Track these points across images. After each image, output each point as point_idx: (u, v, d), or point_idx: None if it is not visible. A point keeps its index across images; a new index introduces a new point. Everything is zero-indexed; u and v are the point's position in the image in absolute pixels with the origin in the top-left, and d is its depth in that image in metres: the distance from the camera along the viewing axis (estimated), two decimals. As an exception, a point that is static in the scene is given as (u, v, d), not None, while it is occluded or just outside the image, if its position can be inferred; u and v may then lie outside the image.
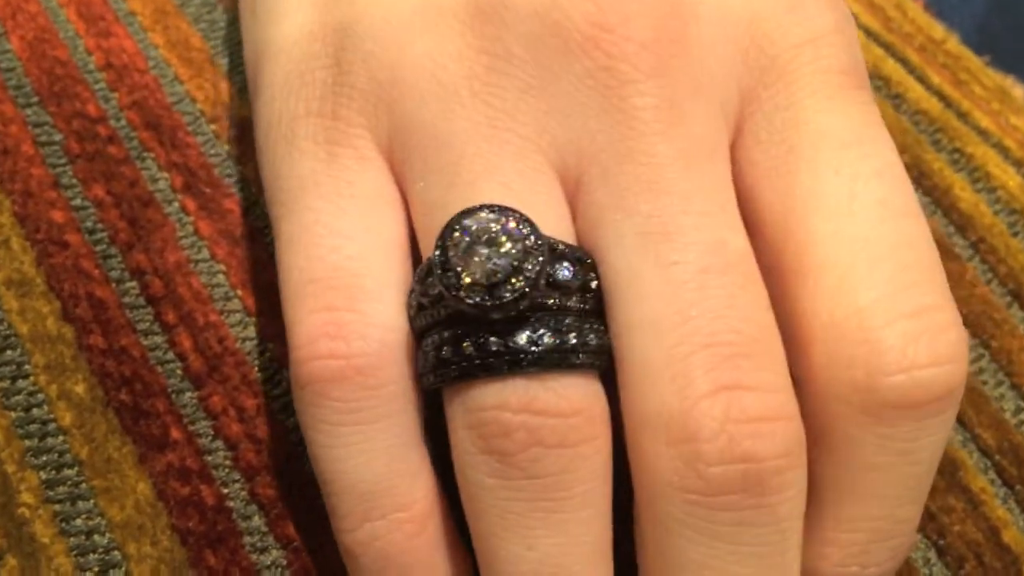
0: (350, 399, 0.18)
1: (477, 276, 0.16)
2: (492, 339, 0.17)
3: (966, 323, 0.25)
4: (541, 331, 0.17)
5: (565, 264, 0.17)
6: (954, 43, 0.31)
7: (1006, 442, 0.23)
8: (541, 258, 0.17)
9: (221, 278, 0.22)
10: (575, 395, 0.17)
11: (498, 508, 0.17)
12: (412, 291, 0.18)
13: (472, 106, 0.18)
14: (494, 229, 0.17)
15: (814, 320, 0.17)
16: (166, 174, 0.23)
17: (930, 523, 0.22)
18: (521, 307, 0.17)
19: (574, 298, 0.17)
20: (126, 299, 0.21)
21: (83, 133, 0.23)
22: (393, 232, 0.19)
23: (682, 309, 0.17)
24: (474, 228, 0.17)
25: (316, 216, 0.18)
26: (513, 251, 0.16)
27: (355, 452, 0.18)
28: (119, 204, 0.22)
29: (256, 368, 0.21)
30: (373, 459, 0.18)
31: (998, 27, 0.41)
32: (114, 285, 0.21)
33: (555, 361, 0.17)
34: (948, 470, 0.22)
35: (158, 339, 0.21)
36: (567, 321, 0.17)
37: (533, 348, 0.17)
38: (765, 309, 0.17)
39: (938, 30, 0.31)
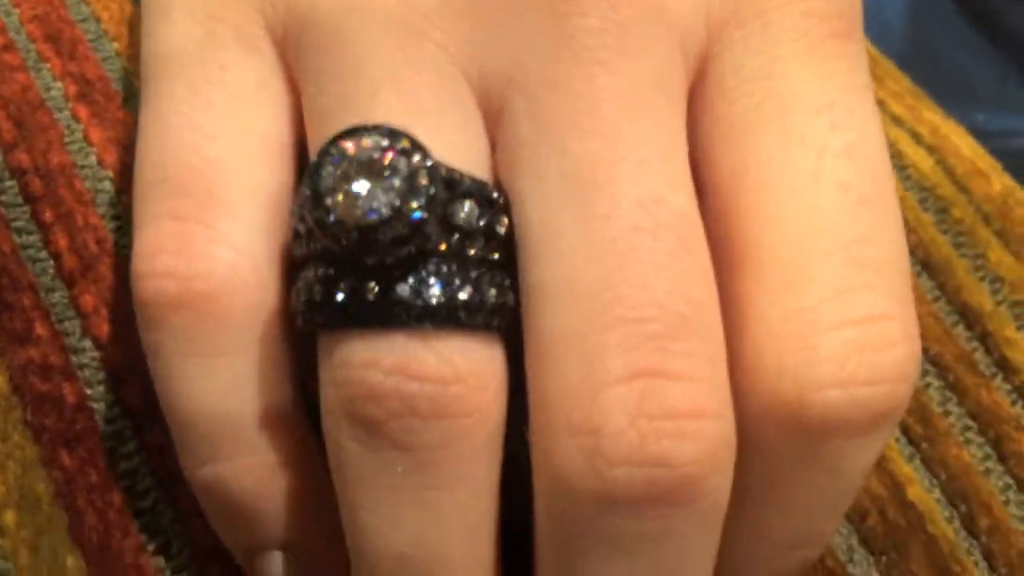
0: (189, 327, 0.15)
1: (349, 214, 0.14)
2: (369, 285, 0.14)
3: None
4: (429, 280, 0.14)
5: (468, 203, 0.15)
6: (870, 46, 0.31)
7: (913, 401, 0.23)
8: (431, 195, 0.14)
9: (107, 184, 0.21)
10: (460, 359, 0.14)
11: (363, 479, 0.15)
12: (292, 214, 0.16)
13: (384, 4, 0.15)
14: (376, 157, 0.14)
15: (747, 315, 0.15)
16: (60, 83, 0.22)
17: (833, 474, 0.21)
18: (401, 254, 0.14)
19: (476, 245, 0.15)
20: (3, 197, 0.20)
21: (-23, 41, 0.22)
22: (270, 135, 0.16)
23: (605, 273, 0.14)
24: (353, 153, 0.14)
25: (176, 104, 0.16)
26: (397, 186, 0.14)
27: (194, 386, 0.15)
28: (7, 106, 0.21)
29: (135, 273, 0.20)
30: (216, 396, 0.15)
31: (915, 62, 0.42)
32: (-9, 183, 0.20)
33: (441, 317, 0.14)
34: (853, 423, 0.22)
35: (32, 237, 0.20)
36: (462, 272, 0.14)
37: (417, 300, 0.14)
38: (701, 284, 0.14)
39: (857, 33, 0.32)
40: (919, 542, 0.21)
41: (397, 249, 0.14)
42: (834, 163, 0.15)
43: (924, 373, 0.23)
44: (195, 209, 0.15)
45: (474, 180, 0.15)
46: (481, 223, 0.15)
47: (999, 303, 0.24)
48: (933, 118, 0.29)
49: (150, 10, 0.17)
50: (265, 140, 0.16)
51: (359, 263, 0.14)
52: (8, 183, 0.20)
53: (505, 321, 0.15)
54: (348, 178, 0.14)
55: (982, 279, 0.25)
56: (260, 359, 0.16)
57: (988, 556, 0.21)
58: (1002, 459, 0.22)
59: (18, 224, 0.20)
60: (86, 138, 0.21)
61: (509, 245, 0.15)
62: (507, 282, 0.15)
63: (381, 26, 0.15)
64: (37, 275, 0.19)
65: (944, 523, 0.21)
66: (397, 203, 0.14)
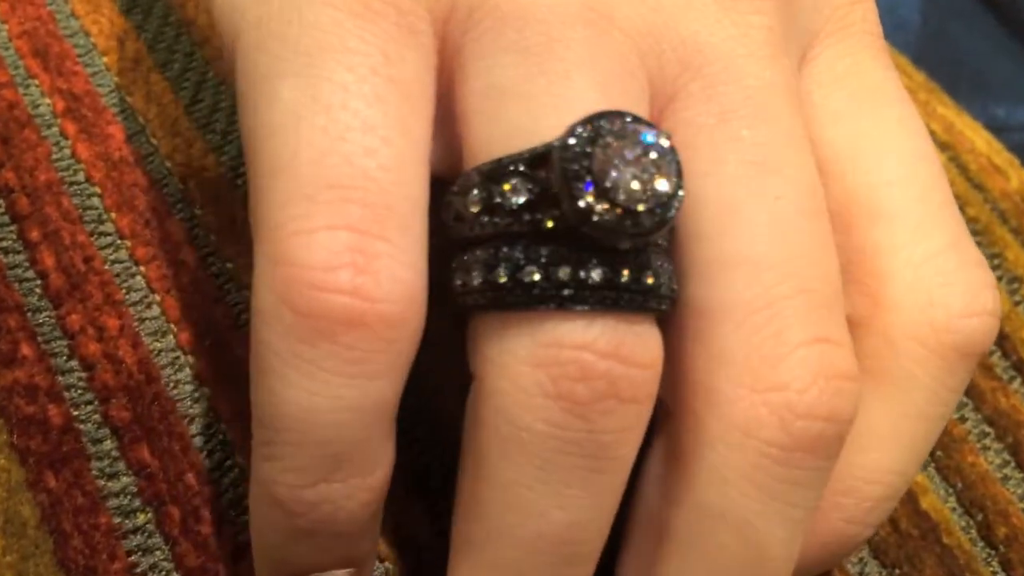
0: (360, 349, 0.14)
1: (620, 193, 0.14)
2: (596, 269, 0.14)
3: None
4: (644, 269, 0.14)
5: None
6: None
7: (925, 407, 0.22)
8: (682, 188, 0.14)
9: (95, 200, 0.20)
10: (656, 345, 0.15)
11: (539, 459, 0.15)
12: (471, 188, 0.15)
13: None
14: (642, 142, 0.14)
15: (893, 259, 0.17)
16: (48, 99, 0.22)
17: (843, 484, 0.21)
18: (658, 238, 0.14)
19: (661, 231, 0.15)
20: (-10, 217, 0.20)
21: (-34, 58, 0.22)
22: (425, 139, 0.15)
23: (784, 248, 0.15)
24: (615, 133, 0.14)
25: (343, 95, 0.14)
26: (667, 172, 0.14)
27: (342, 406, 0.14)
28: (-6, 124, 0.21)
29: (123, 290, 0.19)
30: (359, 418, 0.15)
31: (932, 56, 0.41)
32: (-22, 202, 0.20)
33: (649, 304, 0.15)
34: (863, 431, 0.21)
35: (19, 257, 0.19)
36: (658, 261, 0.15)
37: (634, 286, 0.14)
38: (837, 260, 0.16)
39: (867, 29, 0.31)
40: (934, 553, 0.20)
41: (653, 235, 0.14)
42: (920, 139, 0.18)
43: (938, 378, 0.22)
44: (375, 223, 0.14)
45: None
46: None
47: (1016, 304, 0.24)
48: (947, 113, 0.28)
49: None
50: (424, 145, 0.15)
51: (596, 244, 0.14)
52: (-5, 202, 0.20)
53: (670, 308, 0.15)
54: (616, 158, 0.14)
55: (999, 279, 0.24)
56: (402, 380, 0.15)
57: (1006, 566, 0.20)
58: (1020, 466, 0.21)
59: (4, 244, 0.20)
60: (74, 155, 0.21)
61: (671, 230, 0.16)
62: (673, 268, 0.15)
63: (572, 6, 0.15)
64: (24, 295, 0.19)
65: (960, 533, 0.21)
66: (671, 189, 0.14)
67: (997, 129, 0.30)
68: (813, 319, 0.15)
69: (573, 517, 0.15)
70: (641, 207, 0.14)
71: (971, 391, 0.22)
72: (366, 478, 0.15)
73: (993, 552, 0.20)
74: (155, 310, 0.19)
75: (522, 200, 0.14)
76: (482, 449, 0.15)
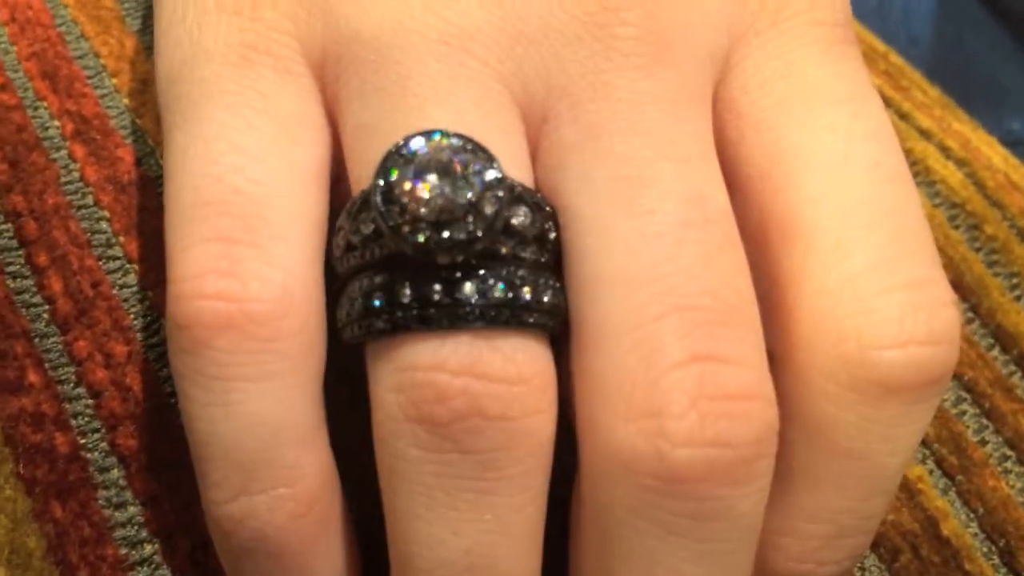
0: (237, 351, 0.15)
1: (425, 211, 0.14)
2: (435, 287, 0.14)
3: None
4: (492, 282, 0.14)
5: (523, 208, 0.15)
6: (896, 56, 0.30)
7: (945, 431, 0.21)
8: (501, 196, 0.14)
9: (104, 224, 0.20)
10: (524, 359, 0.14)
11: (421, 486, 0.15)
12: (339, 228, 0.16)
13: (424, 19, 0.15)
14: (448, 158, 0.14)
15: (803, 286, 0.15)
16: (57, 122, 0.21)
17: (862, 511, 0.20)
18: (475, 251, 0.14)
19: (530, 248, 0.15)
20: (-2, 241, 0.20)
21: (-26, 81, 0.22)
22: (311, 161, 0.16)
23: (655, 264, 0.14)
24: (424, 154, 0.14)
25: (218, 129, 0.16)
26: (471, 185, 0.14)
27: (235, 413, 0.15)
28: (2, 147, 0.21)
29: (132, 315, 0.19)
30: (256, 423, 0.15)
31: (945, 70, 0.41)
32: (-14, 227, 0.20)
33: (505, 318, 0.14)
34: (882, 456, 0.21)
35: (27, 282, 0.19)
36: (521, 274, 0.15)
37: (482, 301, 0.14)
38: (744, 275, 0.15)
39: (880, 44, 0.31)
40: (956, 581, 0.20)
41: (468, 248, 0.14)
42: (862, 145, 0.16)
43: (958, 400, 0.22)
44: (244, 231, 0.15)
45: (525, 188, 0.15)
46: (535, 228, 0.15)
47: (1037, 324, 0.23)
48: (963, 129, 0.28)
49: (180, 42, 0.17)
50: (307, 165, 0.16)
51: (425, 264, 0.14)
52: (3, 226, 0.20)
53: (558, 323, 0.15)
54: (422, 176, 0.14)
55: (1018, 299, 0.24)
56: (301, 384, 0.15)
57: (1030, 595, 0.20)
58: (1043, 490, 0.21)
59: (12, 268, 0.19)
60: (83, 178, 0.21)
61: (557, 250, 0.15)
62: (559, 284, 0.15)
63: (425, 43, 0.16)
64: (31, 320, 0.19)
65: (982, 559, 0.20)
66: (473, 200, 0.14)
67: (1012, 143, 0.30)
68: (693, 337, 0.14)
69: (470, 542, 0.15)
70: (443, 222, 0.14)
71: (992, 413, 0.22)
72: (289, 488, 0.15)
73: (1017, 579, 0.20)
74: (163, 336, 0.19)
75: (369, 231, 0.15)
76: (381, 482, 0.15)
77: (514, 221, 0.15)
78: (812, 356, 0.15)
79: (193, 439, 0.16)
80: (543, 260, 0.15)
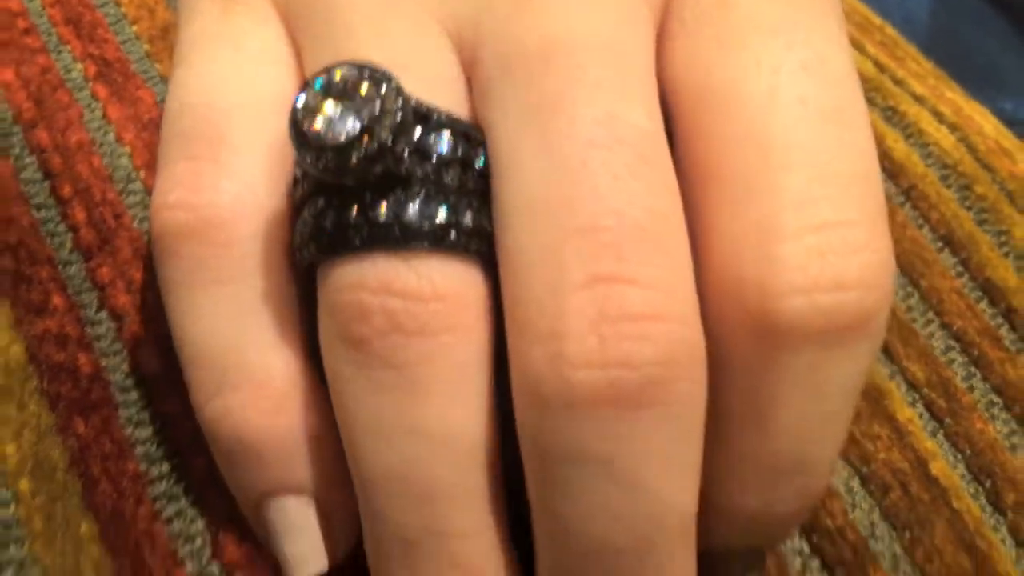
0: (197, 255, 0.16)
1: (323, 135, 0.15)
2: (352, 211, 0.15)
3: (897, 263, 0.24)
4: (406, 203, 0.15)
5: (445, 133, 0.15)
6: (892, 30, 0.31)
7: (935, 376, 0.22)
8: (399, 119, 0.15)
9: (125, 160, 0.21)
10: (440, 277, 0.15)
11: (358, 399, 0.15)
12: (295, 163, 0.17)
13: None
14: (348, 85, 0.15)
15: (712, 233, 0.15)
16: (80, 64, 0.22)
17: (853, 448, 0.21)
18: (375, 172, 0.15)
19: (452, 174, 0.15)
20: (24, 174, 0.20)
21: (1, 24, 0.22)
22: (277, 91, 0.17)
23: (562, 187, 0.14)
24: (326, 83, 0.15)
25: (198, 68, 0.18)
26: (365, 108, 0.15)
27: (203, 315, 0.16)
28: (27, 86, 0.21)
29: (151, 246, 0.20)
30: (223, 324, 0.16)
31: (941, 53, 0.41)
32: (12, 160, 0.20)
33: (420, 237, 0.15)
34: (873, 396, 0.22)
35: (51, 212, 0.20)
36: (439, 196, 0.15)
37: (395, 222, 0.15)
38: (661, 196, 0.15)
39: (876, 18, 0.31)
40: (943, 517, 0.20)
41: (369, 168, 0.15)
42: (790, 80, 0.15)
43: (948, 348, 0.23)
44: (207, 150, 0.17)
45: (450, 115, 0.16)
46: (458, 153, 0.15)
47: (1024, 280, 0.24)
48: (955, 98, 0.28)
49: (183, 8, 0.19)
50: (273, 95, 0.17)
51: (345, 190, 0.15)
52: (28, 160, 0.21)
53: (484, 245, 0.15)
54: (322, 104, 0.15)
55: (1006, 255, 0.24)
56: (264, 289, 0.16)
57: (1015, 531, 0.21)
58: (1029, 434, 0.22)
59: (37, 200, 0.20)
60: (104, 116, 0.21)
61: (486, 176, 0.16)
62: (485, 209, 0.15)
63: None
64: (55, 249, 0.20)
65: (969, 499, 0.21)
66: (366, 123, 0.14)
67: (1005, 123, 0.31)
68: (596, 259, 0.14)
69: (404, 453, 0.15)
70: (343, 145, 0.15)
71: (979, 361, 0.23)
72: (259, 388, 0.16)
73: (1002, 518, 0.21)
74: (182, 266, 0.20)
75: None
76: (332, 400, 0.16)
77: (434, 147, 0.15)
78: (720, 305, 0.15)
79: (176, 344, 0.17)
80: (469, 186, 0.15)
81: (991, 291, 0.24)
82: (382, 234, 0.15)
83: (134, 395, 0.18)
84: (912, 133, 0.26)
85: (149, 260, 0.20)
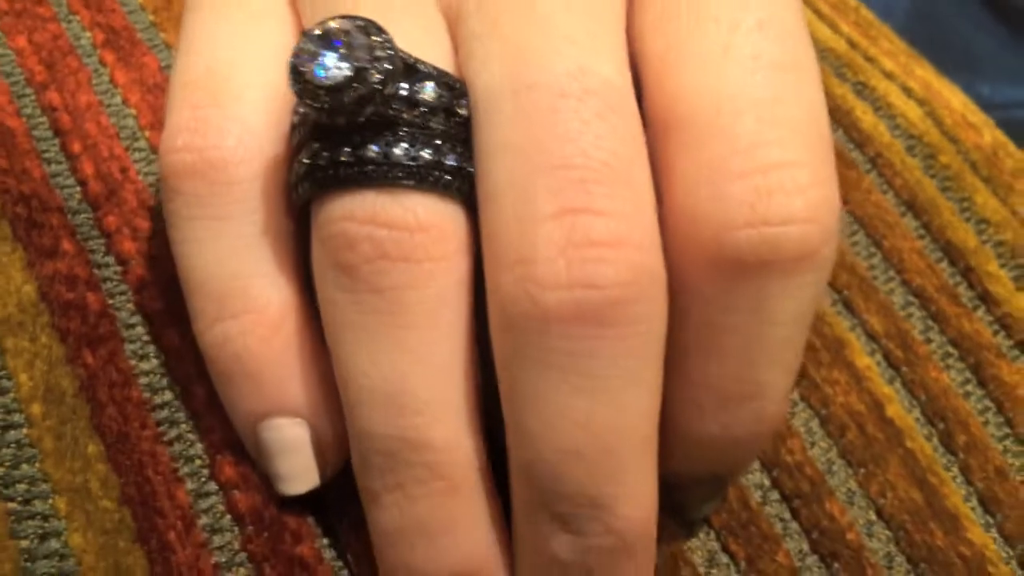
0: (201, 193, 0.18)
1: (320, 78, 0.16)
2: (345, 150, 0.16)
3: (860, 225, 0.25)
4: (394, 144, 0.16)
5: (430, 83, 0.17)
6: (867, 11, 0.32)
7: (894, 327, 0.23)
8: (389, 66, 0.16)
9: (131, 120, 0.22)
10: (423, 211, 0.16)
11: (346, 322, 0.17)
12: (293, 111, 0.18)
13: None
14: (342, 35, 0.16)
15: (671, 174, 0.16)
16: (89, 33, 0.24)
17: (813, 392, 0.22)
18: (366, 113, 0.16)
19: (438, 120, 0.17)
20: (35, 132, 0.22)
21: (14, -4, 0.24)
22: (280, 46, 0.18)
23: (533, 131, 0.16)
24: (322, 34, 0.16)
25: (202, 25, 0.19)
26: (358, 55, 0.16)
27: (206, 248, 0.18)
28: (39, 52, 0.23)
29: (155, 197, 0.21)
30: (224, 256, 0.18)
31: (919, 37, 0.43)
32: (25, 119, 0.22)
33: (406, 174, 0.16)
34: (834, 347, 0.23)
35: (61, 166, 0.21)
36: (425, 138, 0.17)
37: (385, 161, 0.16)
38: (627, 142, 0.16)
39: (852, 0, 0.33)
40: (897, 455, 0.22)
41: (360, 109, 0.16)
42: (745, 37, 0.16)
43: (907, 304, 0.24)
44: (210, 97, 0.18)
45: (436, 67, 0.17)
46: (442, 101, 0.17)
47: (984, 242, 0.25)
48: (925, 75, 0.30)
49: None
50: (274, 49, 0.18)
51: (338, 132, 0.16)
52: (40, 119, 0.22)
53: (465, 186, 0.17)
54: (318, 51, 0.16)
55: (967, 220, 0.26)
56: (263, 225, 0.18)
57: (965, 470, 0.22)
58: (982, 383, 0.23)
59: (48, 155, 0.21)
60: (112, 80, 0.23)
61: (468, 125, 0.17)
62: (467, 154, 0.17)
63: None
64: (65, 199, 0.21)
65: (922, 440, 0.22)
66: (356, 66, 0.16)
67: (981, 107, 0.32)
68: (564, 193, 0.15)
69: (386, 371, 0.16)
70: (336, 88, 0.16)
71: (937, 316, 0.24)
72: (257, 314, 0.18)
73: (953, 458, 0.22)
74: (184, 217, 0.21)
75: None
76: (323, 326, 0.17)
77: (420, 94, 0.17)
78: (678, 239, 0.16)
79: (180, 277, 0.18)
80: (452, 132, 0.17)
81: (951, 252, 0.25)
82: (371, 172, 0.16)
83: (139, 330, 0.20)
84: (881, 106, 0.27)
85: (153, 210, 0.21)
